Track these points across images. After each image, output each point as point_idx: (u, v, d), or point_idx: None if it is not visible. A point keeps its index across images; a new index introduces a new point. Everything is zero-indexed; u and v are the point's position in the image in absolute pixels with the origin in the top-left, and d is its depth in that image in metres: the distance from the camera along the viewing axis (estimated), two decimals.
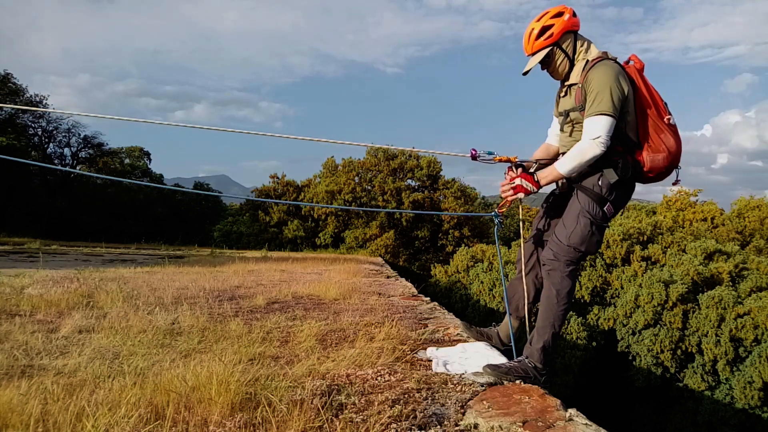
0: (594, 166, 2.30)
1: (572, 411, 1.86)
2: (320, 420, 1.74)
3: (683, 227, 18.34)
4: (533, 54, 2.36)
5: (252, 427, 1.70)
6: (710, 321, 9.35)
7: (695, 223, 19.94)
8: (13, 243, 13.89)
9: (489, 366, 2.35)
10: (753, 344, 8.88)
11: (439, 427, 1.75)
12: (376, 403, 1.92)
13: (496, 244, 3.04)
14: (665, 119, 2.29)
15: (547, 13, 2.35)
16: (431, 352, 2.73)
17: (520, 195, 2.39)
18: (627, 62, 2.36)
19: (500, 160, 2.51)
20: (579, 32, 2.39)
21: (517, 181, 2.37)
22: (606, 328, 10.89)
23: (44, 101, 28.24)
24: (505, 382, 2.25)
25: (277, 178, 27.17)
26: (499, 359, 2.53)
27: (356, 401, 1.96)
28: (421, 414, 1.84)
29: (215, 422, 1.71)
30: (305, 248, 23.23)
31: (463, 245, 17.92)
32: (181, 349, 2.69)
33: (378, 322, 3.53)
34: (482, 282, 13.20)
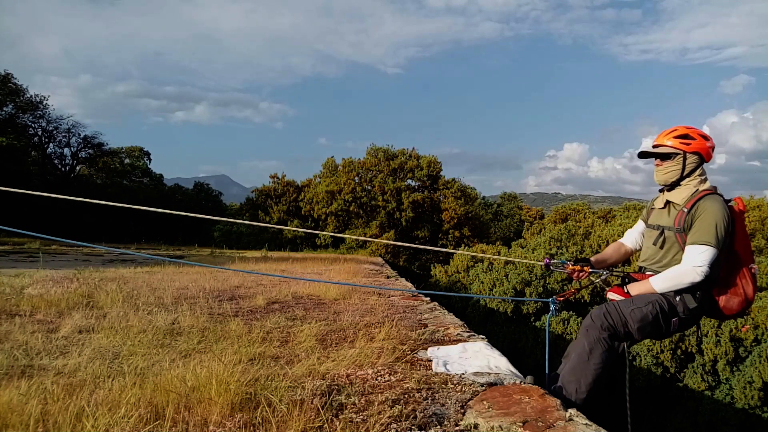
0: None
1: (572, 411, 1.86)
2: (320, 420, 1.74)
3: None
4: (661, 146, 2.50)
5: (252, 427, 1.70)
6: (710, 321, 9.36)
7: None
8: (13, 243, 13.89)
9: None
10: (753, 344, 8.87)
11: (439, 427, 1.75)
12: (376, 403, 1.92)
13: (546, 333, 3.18)
14: (750, 267, 2.38)
15: (697, 130, 2.48)
16: (431, 351, 2.73)
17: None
18: (728, 201, 2.42)
19: (573, 269, 2.68)
20: (705, 165, 2.50)
21: (611, 296, 2.49)
22: None
23: (44, 101, 28.21)
24: (507, 383, 2.25)
25: (277, 178, 27.22)
26: (500, 359, 2.54)
27: (356, 401, 1.96)
28: (421, 414, 1.84)
29: (215, 422, 1.71)
30: (305, 248, 23.23)
31: (463, 245, 17.91)
32: (181, 349, 2.69)
33: (378, 322, 3.53)
34: (482, 282, 13.19)
